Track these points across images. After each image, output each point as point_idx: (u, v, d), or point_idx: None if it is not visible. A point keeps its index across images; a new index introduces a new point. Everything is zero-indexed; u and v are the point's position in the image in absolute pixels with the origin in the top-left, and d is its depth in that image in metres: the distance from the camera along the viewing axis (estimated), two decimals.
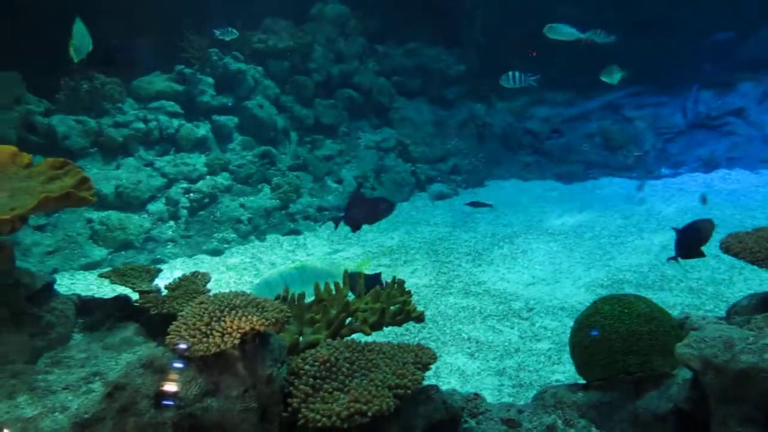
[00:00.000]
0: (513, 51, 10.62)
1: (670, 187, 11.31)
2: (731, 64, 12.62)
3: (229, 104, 9.65)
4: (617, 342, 2.85)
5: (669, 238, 8.40)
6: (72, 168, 2.82)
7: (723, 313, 3.69)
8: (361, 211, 5.44)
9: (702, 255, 5.20)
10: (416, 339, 5.78)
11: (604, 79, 8.73)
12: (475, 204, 8.91)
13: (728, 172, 11.86)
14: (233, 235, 8.52)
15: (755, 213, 9.51)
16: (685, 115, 12.73)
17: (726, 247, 3.40)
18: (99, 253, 7.62)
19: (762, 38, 12.62)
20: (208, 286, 3.12)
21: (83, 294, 3.26)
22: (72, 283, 7.04)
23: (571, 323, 3.21)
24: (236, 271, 7.75)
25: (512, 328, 6.05)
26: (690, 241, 5.18)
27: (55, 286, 2.97)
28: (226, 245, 8.39)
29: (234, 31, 9.15)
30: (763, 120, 12.31)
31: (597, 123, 12.35)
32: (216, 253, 8.27)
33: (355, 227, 5.58)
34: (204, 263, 8.01)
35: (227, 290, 2.60)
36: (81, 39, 6.72)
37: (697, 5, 11.94)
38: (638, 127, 12.50)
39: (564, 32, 8.05)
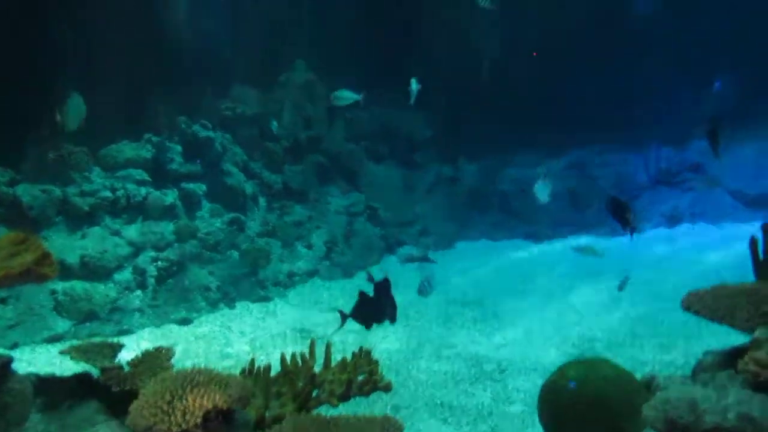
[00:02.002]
0: (477, 109, 10.94)
1: (635, 243, 11.50)
2: (689, 121, 13.04)
3: (198, 171, 9.64)
4: (583, 408, 2.86)
5: (635, 293, 8.51)
6: (33, 243, 2.79)
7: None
8: (370, 311, 5.35)
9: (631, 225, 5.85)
10: (388, 405, 5.69)
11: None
12: (421, 259, 10.73)
13: (691, 226, 12.14)
14: (202, 303, 8.39)
15: (718, 267, 9.68)
16: (647, 172, 13.07)
17: (687, 305, 3.45)
18: (63, 325, 7.42)
19: (717, 95, 13.10)
20: (175, 358, 3.07)
21: (44, 369, 3.18)
22: (33, 357, 6.84)
23: None
24: (205, 341, 7.60)
25: (485, 390, 6.01)
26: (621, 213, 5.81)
27: (15, 362, 2.90)
28: (195, 314, 8.25)
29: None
30: (722, 174, 12.66)
31: (562, 183, 12.60)
32: (185, 322, 8.11)
33: (368, 325, 5.51)
34: (172, 333, 7.84)
35: (196, 361, 2.56)
36: (76, 110, 6.81)
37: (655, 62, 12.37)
38: (602, 186, 12.79)
39: (344, 97, 8.76)
